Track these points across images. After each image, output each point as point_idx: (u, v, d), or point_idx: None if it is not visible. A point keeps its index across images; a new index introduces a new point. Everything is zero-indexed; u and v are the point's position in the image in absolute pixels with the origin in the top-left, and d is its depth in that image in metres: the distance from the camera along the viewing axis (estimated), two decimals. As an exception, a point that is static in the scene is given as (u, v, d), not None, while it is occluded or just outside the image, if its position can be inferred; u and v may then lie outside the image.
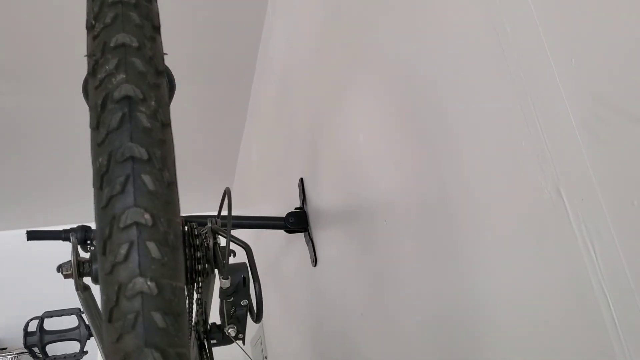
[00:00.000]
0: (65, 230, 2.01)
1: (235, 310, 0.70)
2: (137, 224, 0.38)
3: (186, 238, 0.69)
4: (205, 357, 0.67)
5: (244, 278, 0.68)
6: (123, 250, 0.38)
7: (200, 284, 0.67)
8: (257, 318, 0.70)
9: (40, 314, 3.45)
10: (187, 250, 0.68)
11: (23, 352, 3.05)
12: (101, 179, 0.39)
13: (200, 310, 0.67)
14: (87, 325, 1.16)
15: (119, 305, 0.37)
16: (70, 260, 0.70)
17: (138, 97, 0.40)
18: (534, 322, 0.60)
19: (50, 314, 1.17)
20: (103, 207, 0.38)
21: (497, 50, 0.63)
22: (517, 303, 0.63)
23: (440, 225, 0.79)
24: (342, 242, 1.24)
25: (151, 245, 0.38)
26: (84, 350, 1.18)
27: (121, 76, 0.41)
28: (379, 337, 1.06)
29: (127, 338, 0.37)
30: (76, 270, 0.69)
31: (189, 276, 0.67)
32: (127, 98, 0.40)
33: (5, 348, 3.09)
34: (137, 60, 0.42)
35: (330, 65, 1.23)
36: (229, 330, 0.69)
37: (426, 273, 0.84)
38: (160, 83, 0.43)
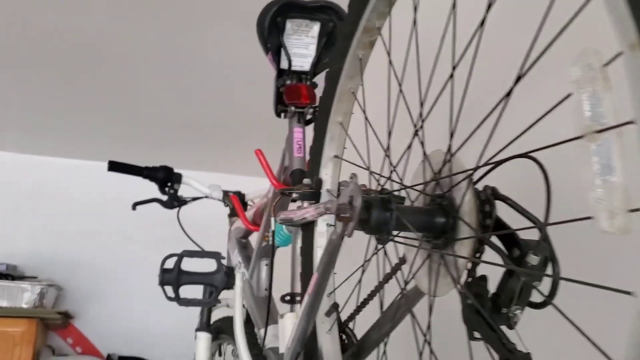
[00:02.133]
0: (147, 168, 1.93)
1: (522, 292, 0.63)
2: None
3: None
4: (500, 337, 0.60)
5: (545, 258, 0.61)
6: None
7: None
8: (543, 304, 0.63)
9: (76, 246, 3.37)
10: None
11: (52, 285, 2.97)
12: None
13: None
14: (226, 272, 1.09)
15: None
16: (352, 201, 0.62)
17: None
18: None
19: (191, 254, 1.09)
20: None
21: None
22: None
23: None
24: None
25: None
26: (218, 298, 1.11)
27: None
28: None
29: None
30: (357, 215, 0.61)
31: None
32: None
33: (36, 277, 3.00)
34: None
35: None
36: (516, 312, 0.62)
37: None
38: None
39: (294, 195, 0.95)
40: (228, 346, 1.85)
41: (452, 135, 0.63)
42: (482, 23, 0.60)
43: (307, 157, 1.23)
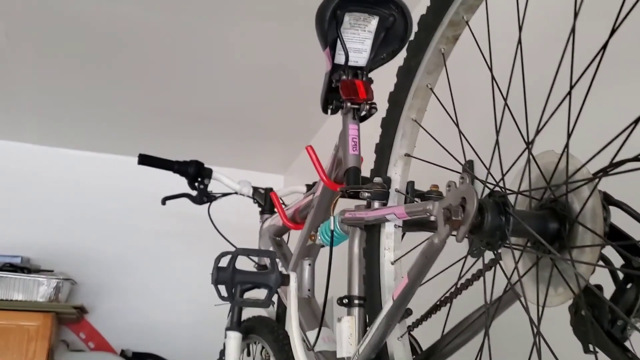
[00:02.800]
0: (178, 162, 1.89)
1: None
2: None
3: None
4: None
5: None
6: None
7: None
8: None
9: (91, 240, 3.32)
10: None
11: (67, 279, 2.93)
12: None
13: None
14: (280, 272, 1.05)
15: None
16: (464, 203, 0.58)
17: None
18: None
19: (245, 252, 1.06)
20: None
21: None
22: None
23: None
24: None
25: None
26: (271, 299, 1.07)
27: None
28: None
29: None
30: (472, 219, 0.57)
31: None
32: None
33: (52, 270, 2.96)
34: None
35: None
36: (637, 324, 0.58)
37: None
38: None
39: (365, 194, 0.91)
40: (257, 346, 1.82)
41: (569, 135, 0.60)
42: (605, 46, 0.57)
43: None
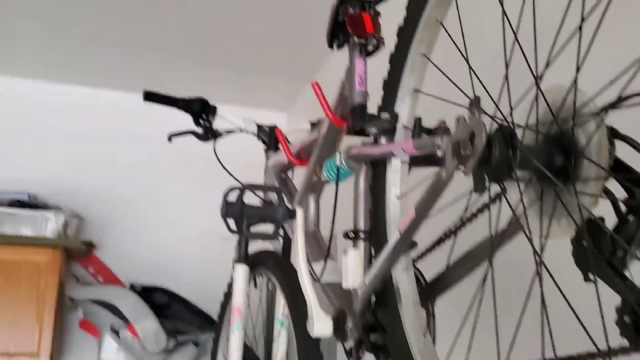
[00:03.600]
0: (183, 100, 1.89)
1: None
2: None
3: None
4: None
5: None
6: None
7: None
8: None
9: (96, 176, 3.34)
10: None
11: (75, 215, 2.97)
12: None
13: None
14: (287, 206, 1.07)
15: None
16: (472, 137, 0.59)
17: None
18: None
19: (252, 187, 1.07)
20: None
21: None
22: None
23: None
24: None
25: None
26: (279, 232, 1.10)
27: None
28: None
29: None
30: (480, 153, 0.58)
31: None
32: None
33: (59, 206, 2.99)
34: None
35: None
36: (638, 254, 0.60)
37: None
38: None
39: (373, 130, 0.92)
40: (264, 278, 1.86)
41: (578, 69, 0.60)
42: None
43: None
